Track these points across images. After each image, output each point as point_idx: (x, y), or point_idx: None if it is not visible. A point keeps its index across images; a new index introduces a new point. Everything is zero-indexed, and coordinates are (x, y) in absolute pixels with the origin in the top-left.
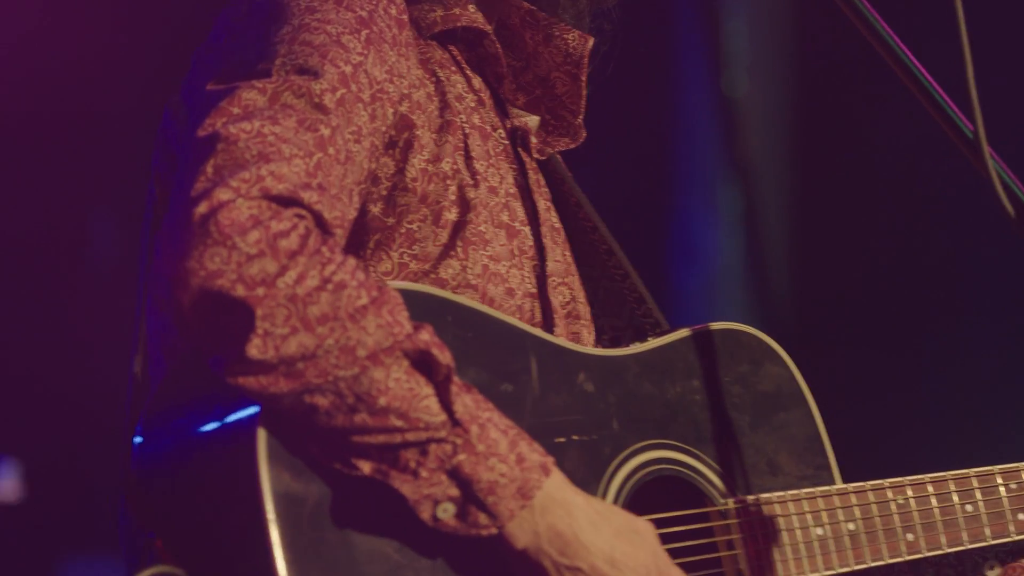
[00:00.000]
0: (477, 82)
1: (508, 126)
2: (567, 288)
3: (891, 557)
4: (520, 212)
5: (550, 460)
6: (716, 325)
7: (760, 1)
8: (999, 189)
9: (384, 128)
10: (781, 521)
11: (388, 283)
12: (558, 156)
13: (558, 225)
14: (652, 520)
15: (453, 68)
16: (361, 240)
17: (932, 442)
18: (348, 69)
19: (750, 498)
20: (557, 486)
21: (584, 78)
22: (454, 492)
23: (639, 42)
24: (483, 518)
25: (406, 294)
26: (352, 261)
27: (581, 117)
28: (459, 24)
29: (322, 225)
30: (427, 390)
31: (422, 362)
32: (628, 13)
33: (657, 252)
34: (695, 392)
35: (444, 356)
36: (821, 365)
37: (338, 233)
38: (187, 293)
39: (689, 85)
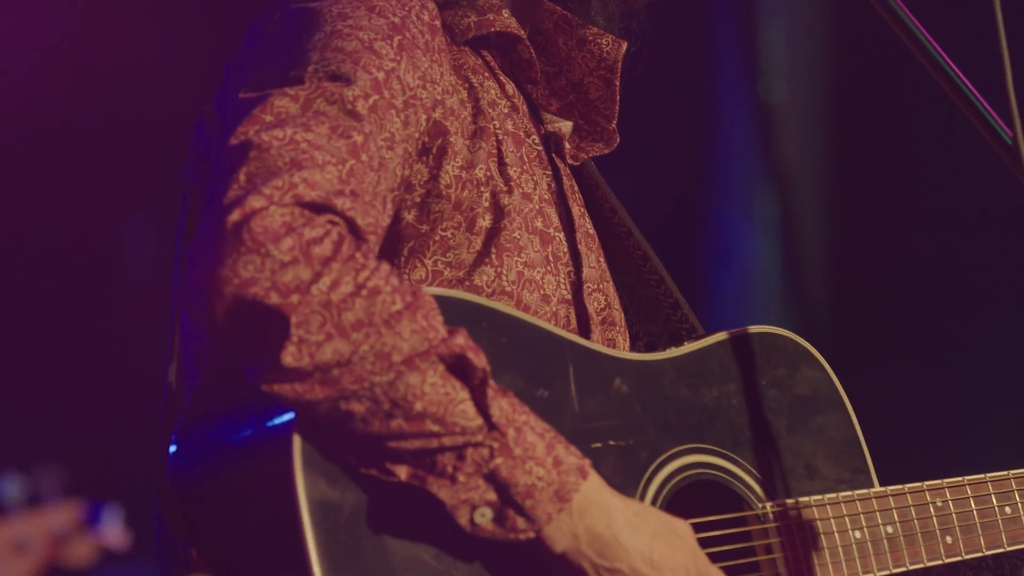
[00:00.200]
0: (510, 88)
1: (542, 132)
2: (602, 294)
3: (929, 560)
4: (554, 218)
5: (587, 463)
6: (752, 329)
7: (797, 7)
8: None
9: (417, 135)
10: (819, 525)
11: (423, 289)
12: (592, 162)
13: (592, 231)
14: (690, 524)
15: (486, 74)
16: (395, 248)
17: (969, 446)
18: (381, 75)
19: (788, 502)
20: (594, 488)
21: (618, 83)
22: (491, 496)
23: (677, 48)
24: (521, 522)
25: (440, 300)
26: (386, 267)
27: (615, 122)
28: (493, 29)
29: (355, 231)
30: (463, 394)
31: (457, 366)
32: (666, 21)
33: (693, 257)
34: (732, 396)
35: (479, 360)
36: (857, 369)
37: (371, 239)
38: (221, 301)
39: (726, 91)
